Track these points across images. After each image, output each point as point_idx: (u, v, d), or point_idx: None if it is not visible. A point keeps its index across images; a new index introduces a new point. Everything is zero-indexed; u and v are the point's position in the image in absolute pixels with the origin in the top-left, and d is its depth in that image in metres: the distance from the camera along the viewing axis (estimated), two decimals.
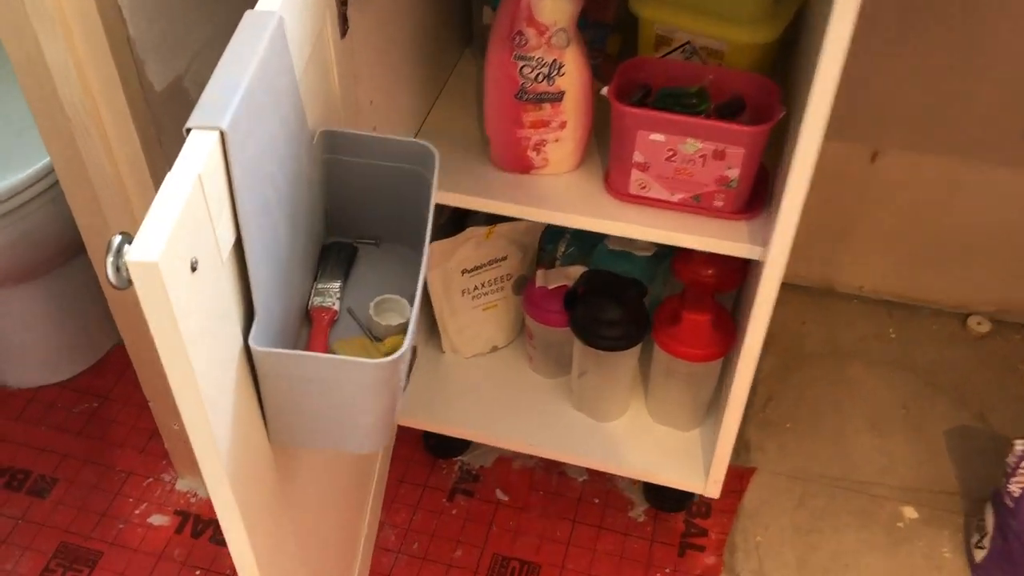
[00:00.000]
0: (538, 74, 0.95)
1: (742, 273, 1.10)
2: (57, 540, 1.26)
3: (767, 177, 1.00)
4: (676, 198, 0.98)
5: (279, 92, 0.63)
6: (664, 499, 1.27)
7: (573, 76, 0.96)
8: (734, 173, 0.94)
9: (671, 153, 0.94)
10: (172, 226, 0.47)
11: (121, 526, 1.28)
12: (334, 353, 0.69)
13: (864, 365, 1.50)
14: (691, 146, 0.93)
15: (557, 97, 0.97)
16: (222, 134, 0.53)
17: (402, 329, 0.73)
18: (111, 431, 1.40)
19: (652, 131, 0.93)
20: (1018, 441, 1.13)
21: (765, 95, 0.95)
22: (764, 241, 0.94)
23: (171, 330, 0.49)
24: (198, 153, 0.52)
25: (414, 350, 1.27)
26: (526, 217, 1.01)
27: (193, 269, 0.50)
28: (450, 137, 1.08)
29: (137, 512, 1.30)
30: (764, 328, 0.95)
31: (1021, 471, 1.13)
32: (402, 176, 0.76)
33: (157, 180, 0.98)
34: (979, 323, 1.54)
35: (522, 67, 0.95)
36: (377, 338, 0.74)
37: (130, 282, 0.49)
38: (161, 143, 0.98)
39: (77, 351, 1.48)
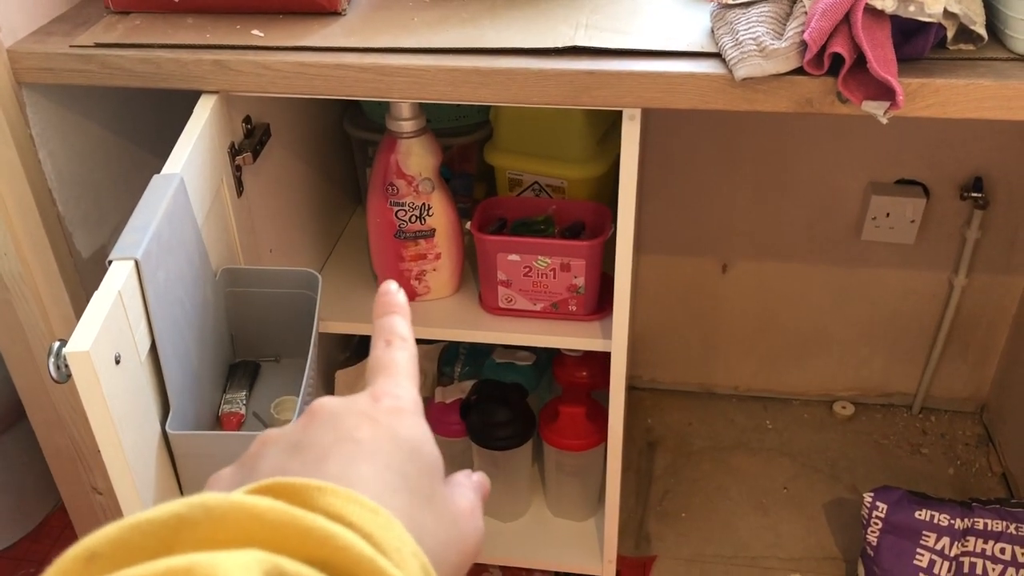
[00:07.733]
0: (411, 216, 1.14)
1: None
2: None
3: (611, 284, 1.19)
4: (538, 307, 1.16)
5: (184, 236, 0.80)
6: None
7: (441, 215, 1.15)
8: (580, 281, 1.12)
9: (527, 270, 1.13)
10: (99, 327, 0.62)
11: None
12: None
13: (746, 455, 1.66)
14: (542, 262, 1.12)
15: (430, 234, 1.16)
16: (136, 263, 0.69)
17: None
18: None
19: (509, 253, 1.12)
20: (867, 494, 1.29)
21: (600, 217, 1.15)
22: (610, 335, 1.11)
23: (102, 409, 0.63)
24: (118, 276, 0.67)
25: None
26: (415, 336, 1.17)
27: (117, 362, 0.65)
28: (345, 277, 1.25)
29: None
30: (622, 406, 1.11)
31: (874, 520, 1.28)
32: (294, 301, 0.92)
33: None
34: (843, 407, 1.73)
35: (397, 211, 1.14)
36: None
37: (68, 375, 0.63)
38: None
39: (13, 520, 1.55)
